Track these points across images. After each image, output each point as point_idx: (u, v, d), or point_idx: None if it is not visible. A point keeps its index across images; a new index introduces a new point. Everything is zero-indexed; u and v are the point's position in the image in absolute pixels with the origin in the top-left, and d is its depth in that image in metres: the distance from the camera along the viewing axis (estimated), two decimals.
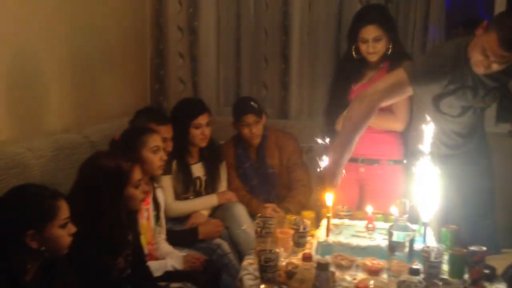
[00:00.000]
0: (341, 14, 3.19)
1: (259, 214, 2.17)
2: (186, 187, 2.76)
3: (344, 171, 2.20)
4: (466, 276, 1.80)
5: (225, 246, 2.58)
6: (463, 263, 1.82)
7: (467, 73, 2.14)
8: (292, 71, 3.32)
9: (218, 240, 2.59)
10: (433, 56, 2.26)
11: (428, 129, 2.04)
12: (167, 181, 2.67)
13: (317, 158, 2.22)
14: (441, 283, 1.72)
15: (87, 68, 2.80)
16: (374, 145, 2.46)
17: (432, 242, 1.98)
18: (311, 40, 3.29)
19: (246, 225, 2.62)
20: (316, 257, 1.85)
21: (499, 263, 2.23)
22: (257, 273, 1.86)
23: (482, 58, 2.03)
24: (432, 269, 1.78)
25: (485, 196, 2.41)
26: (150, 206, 2.33)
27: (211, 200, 2.77)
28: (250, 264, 1.98)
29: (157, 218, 2.39)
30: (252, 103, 2.83)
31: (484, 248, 1.83)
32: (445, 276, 1.80)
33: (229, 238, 2.65)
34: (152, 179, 2.35)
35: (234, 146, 2.92)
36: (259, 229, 2.04)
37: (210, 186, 2.81)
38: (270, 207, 2.68)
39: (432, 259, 1.78)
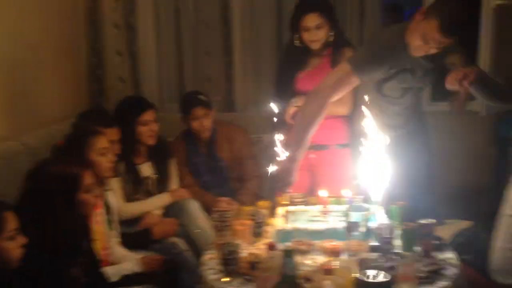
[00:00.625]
0: (281, 3, 3.23)
1: (215, 209, 2.16)
2: (136, 188, 2.71)
3: None
4: (417, 248, 1.89)
5: (182, 244, 2.55)
6: (414, 236, 1.90)
7: (406, 56, 2.23)
8: (236, 63, 3.32)
9: (174, 239, 2.55)
10: (372, 44, 2.34)
11: (372, 113, 2.11)
12: (115, 184, 2.59)
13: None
14: (396, 257, 1.80)
15: (19, 71, 2.66)
16: (322, 131, 2.50)
17: (384, 219, 2.06)
18: (253, 31, 3.30)
19: (201, 221, 2.61)
20: (279, 245, 1.87)
21: (445, 233, 2.36)
22: (219, 267, 1.86)
23: (422, 44, 2.12)
24: (387, 244, 1.86)
25: (426, 172, 2.54)
26: (102, 210, 2.26)
27: (164, 199, 2.73)
28: (211, 258, 1.97)
29: (110, 222, 2.32)
30: (200, 96, 2.81)
31: (433, 221, 1.93)
32: (399, 250, 1.88)
33: (185, 235, 2.62)
34: (102, 183, 2.27)
35: (184, 141, 2.89)
36: (217, 223, 2.04)
37: (161, 185, 2.76)
38: (224, 201, 2.67)
39: (386, 235, 1.86)
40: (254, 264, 1.81)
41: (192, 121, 2.80)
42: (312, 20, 2.47)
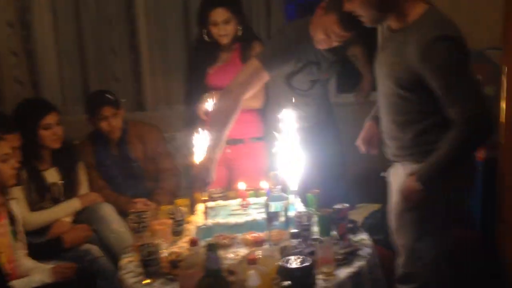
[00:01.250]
0: None
1: (132, 210, 2.09)
2: (41, 196, 2.54)
3: None
4: (334, 232, 1.97)
5: (95, 250, 2.43)
6: (330, 221, 1.98)
7: (311, 50, 2.31)
8: (144, 60, 3.24)
9: (87, 245, 2.43)
10: (279, 39, 2.39)
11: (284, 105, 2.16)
12: (18, 192, 2.41)
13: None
14: (315, 242, 1.86)
15: None
16: (237, 125, 2.52)
17: (301, 207, 2.11)
18: (160, 27, 3.24)
19: (116, 225, 2.51)
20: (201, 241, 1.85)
21: (357, 216, 2.50)
22: (138, 270, 1.81)
23: (324, 37, 2.22)
24: (306, 231, 1.91)
25: (337, 160, 2.66)
26: (5, 221, 2.09)
27: (73, 204, 2.58)
28: (129, 262, 1.92)
29: (15, 233, 2.15)
30: (108, 95, 2.69)
31: (347, 205, 2.01)
32: (317, 236, 1.95)
33: (99, 241, 2.50)
34: (4, 191, 2.10)
35: (92, 143, 2.75)
36: (135, 224, 1.97)
37: (70, 191, 2.61)
38: (140, 202, 2.59)
39: (304, 222, 1.91)
40: (176, 263, 1.77)
41: (100, 122, 2.68)
42: (220, 14, 2.47)
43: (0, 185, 1.95)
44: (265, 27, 3.21)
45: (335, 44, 2.26)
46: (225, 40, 2.53)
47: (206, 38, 2.54)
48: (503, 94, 2.41)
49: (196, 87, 2.57)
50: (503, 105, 2.42)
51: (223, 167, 2.55)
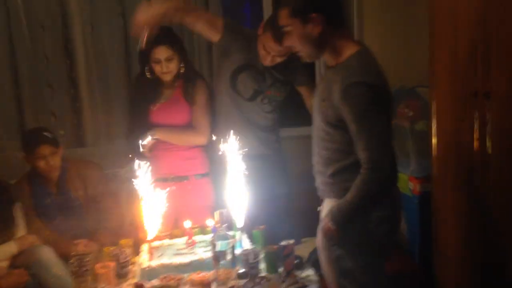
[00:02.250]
0: (126, 35, 3.18)
1: (73, 253, 2.01)
2: None
3: None
4: (281, 269, 1.98)
5: None
6: (276, 258, 2.00)
7: (257, 57, 2.46)
8: (83, 96, 3.19)
9: None
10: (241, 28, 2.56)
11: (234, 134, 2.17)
12: None
13: None
14: (263, 281, 1.87)
15: None
16: (181, 162, 2.52)
17: (247, 244, 2.12)
18: (99, 62, 3.20)
19: (56, 268, 2.40)
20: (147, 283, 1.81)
21: (302, 251, 2.52)
22: None
23: (265, 53, 2.40)
24: (253, 269, 1.92)
25: (283, 193, 2.69)
26: None
27: (9, 248, 2.45)
28: None
29: None
30: (45, 133, 2.60)
31: (293, 241, 2.04)
32: (264, 274, 1.96)
33: (38, 286, 2.38)
34: None
35: (29, 183, 2.64)
36: (75, 268, 1.91)
37: (5, 234, 2.48)
38: (81, 243, 2.49)
39: (252, 260, 1.92)
40: None
41: (37, 161, 2.58)
42: (162, 52, 2.48)
43: None
44: (207, 65, 3.26)
45: (277, 59, 2.41)
46: (168, 78, 2.54)
47: (148, 75, 2.53)
48: (434, 130, 2.56)
49: (138, 124, 2.55)
50: (434, 140, 2.57)
51: (169, 205, 2.52)
